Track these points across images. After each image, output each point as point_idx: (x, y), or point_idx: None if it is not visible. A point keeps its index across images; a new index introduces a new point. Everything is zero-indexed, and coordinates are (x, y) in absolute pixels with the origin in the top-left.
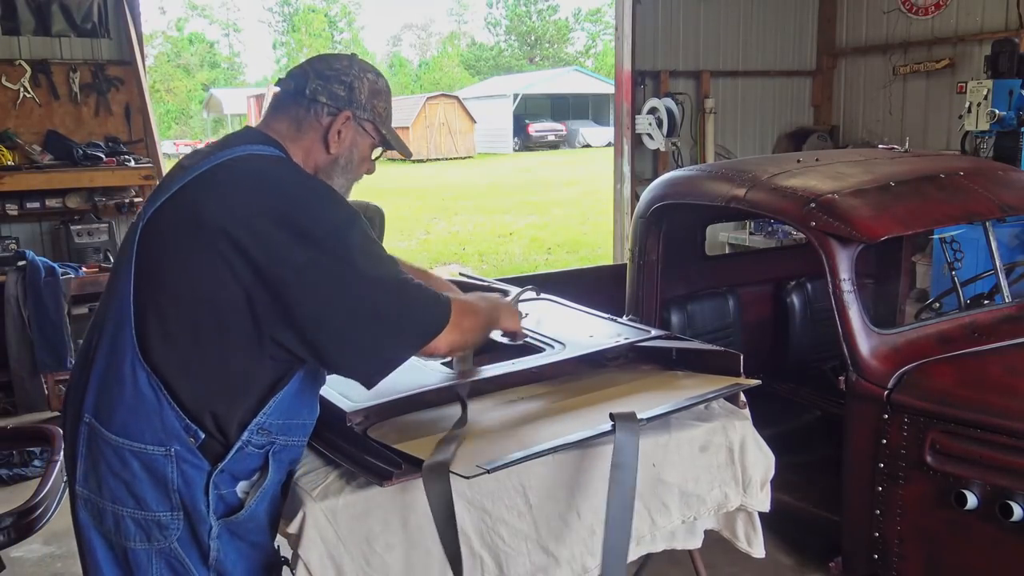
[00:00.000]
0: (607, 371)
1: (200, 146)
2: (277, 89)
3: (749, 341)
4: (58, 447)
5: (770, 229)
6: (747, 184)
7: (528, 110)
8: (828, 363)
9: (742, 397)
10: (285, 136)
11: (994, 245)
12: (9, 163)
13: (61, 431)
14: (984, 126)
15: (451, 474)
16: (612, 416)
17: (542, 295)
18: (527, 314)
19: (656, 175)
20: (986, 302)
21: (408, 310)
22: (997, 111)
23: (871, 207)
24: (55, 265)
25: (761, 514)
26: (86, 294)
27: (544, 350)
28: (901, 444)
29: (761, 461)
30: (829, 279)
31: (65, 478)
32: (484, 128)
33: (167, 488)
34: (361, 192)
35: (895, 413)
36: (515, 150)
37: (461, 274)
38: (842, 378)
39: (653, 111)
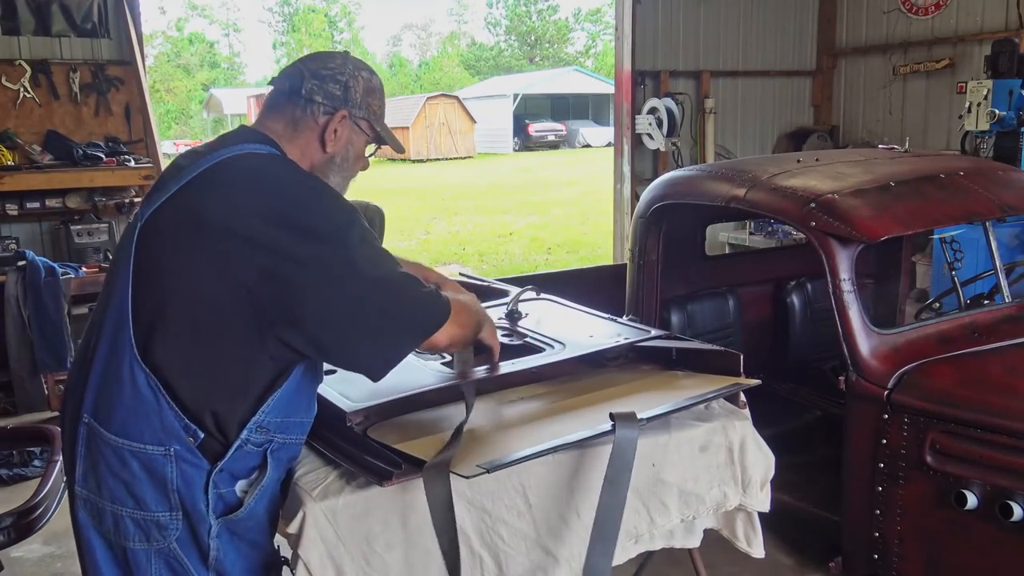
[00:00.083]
0: (607, 371)
1: (196, 146)
2: (270, 88)
3: (749, 341)
4: (58, 447)
5: (770, 229)
6: (747, 184)
7: (528, 110)
8: (828, 363)
9: (742, 397)
10: (281, 135)
11: (994, 245)
12: (9, 163)
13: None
14: (984, 126)
15: (451, 474)
16: (612, 416)
17: (542, 295)
18: (527, 314)
19: (656, 175)
20: (986, 302)
21: (411, 305)
22: (997, 111)
23: (871, 207)
24: (55, 265)
25: (761, 514)
26: (86, 294)
27: (544, 350)
28: (901, 444)
29: (761, 461)
30: (829, 279)
31: (65, 478)
32: (484, 128)
33: (166, 488)
34: (361, 192)
35: (895, 413)
36: (515, 150)
37: (461, 274)
38: (842, 378)
39: (653, 111)
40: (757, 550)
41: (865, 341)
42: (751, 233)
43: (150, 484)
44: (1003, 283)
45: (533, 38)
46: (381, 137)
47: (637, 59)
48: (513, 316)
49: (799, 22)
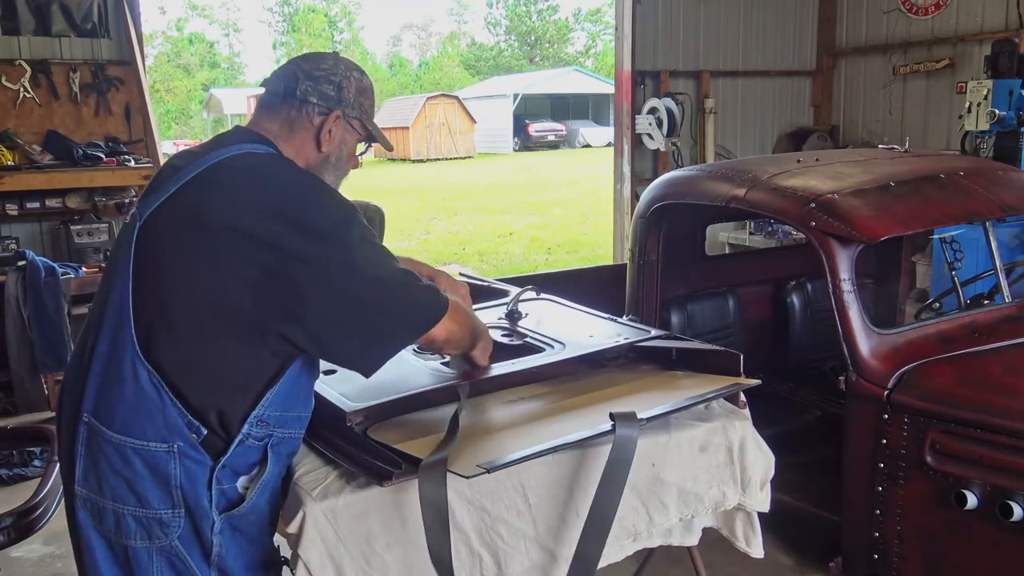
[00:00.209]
0: (607, 371)
1: (191, 147)
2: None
3: (749, 341)
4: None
5: (770, 229)
6: (747, 184)
7: (528, 110)
8: (828, 363)
9: (742, 397)
10: (277, 136)
11: (994, 245)
12: (9, 163)
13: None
14: (984, 126)
15: (451, 474)
16: (612, 416)
17: (542, 295)
18: (527, 314)
19: (656, 175)
20: (986, 302)
21: (410, 302)
22: (997, 111)
23: (871, 207)
24: (55, 265)
25: (761, 514)
26: (86, 294)
27: (544, 350)
28: (901, 444)
29: (761, 461)
30: (829, 279)
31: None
32: (484, 128)
33: (169, 485)
34: (362, 192)
35: (895, 413)
36: (515, 150)
37: (461, 274)
38: (842, 378)
39: (653, 111)
40: (756, 550)
41: (865, 341)
42: (751, 233)
43: (152, 481)
44: (1003, 283)
45: (533, 38)
46: (373, 136)
47: (637, 59)
48: (513, 316)
49: (799, 22)
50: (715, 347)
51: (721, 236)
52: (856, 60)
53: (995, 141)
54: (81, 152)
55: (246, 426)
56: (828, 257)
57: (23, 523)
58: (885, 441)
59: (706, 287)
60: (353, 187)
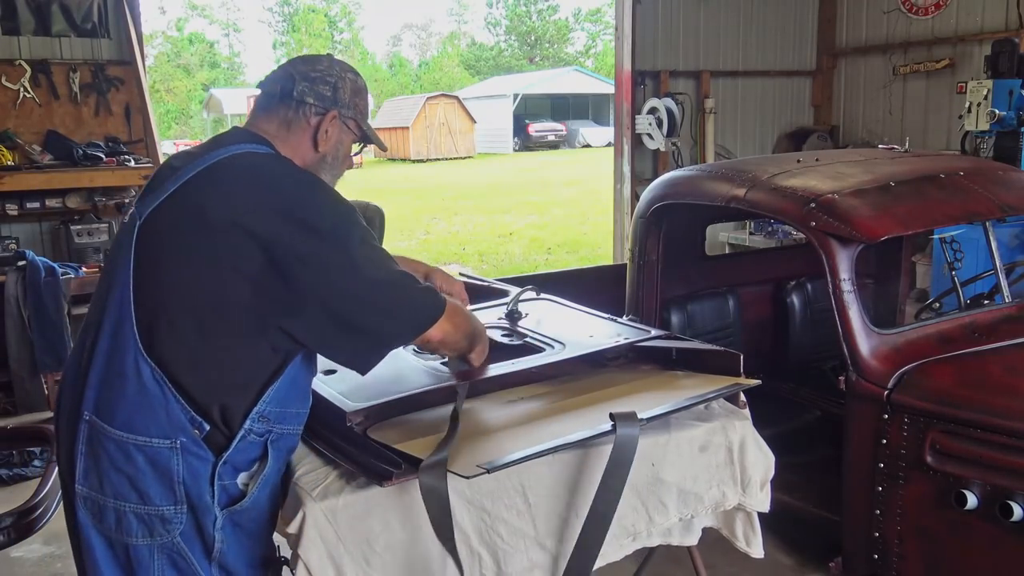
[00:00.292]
0: (607, 371)
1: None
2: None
3: (749, 341)
4: None
5: (770, 229)
6: (747, 184)
7: (528, 110)
8: (828, 363)
9: (742, 397)
10: (275, 136)
11: (994, 245)
12: (9, 163)
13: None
14: (984, 126)
15: (451, 474)
16: (612, 416)
17: (542, 295)
18: (527, 314)
19: (656, 175)
20: (986, 302)
21: (408, 304)
22: (997, 111)
23: (871, 207)
24: (55, 265)
25: (761, 514)
26: (86, 294)
27: (544, 350)
28: (901, 444)
29: (761, 461)
30: (829, 279)
31: None
32: (484, 128)
33: (172, 481)
34: (362, 192)
35: (895, 413)
36: (515, 150)
37: (461, 274)
38: (842, 378)
39: (653, 111)
40: (756, 550)
41: (865, 341)
42: (751, 233)
43: (155, 478)
44: (1003, 283)
45: (533, 38)
46: (367, 136)
47: (637, 59)
48: (513, 316)
49: (799, 22)
50: (715, 347)
51: (721, 236)
52: (856, 60)
53: (995, 141)
54: (81, 152)
55: (248, 422)
56: (828, 257)
57: (23, 523)
58: (885, 441)
59: (706, 287)
60: (353, 187)
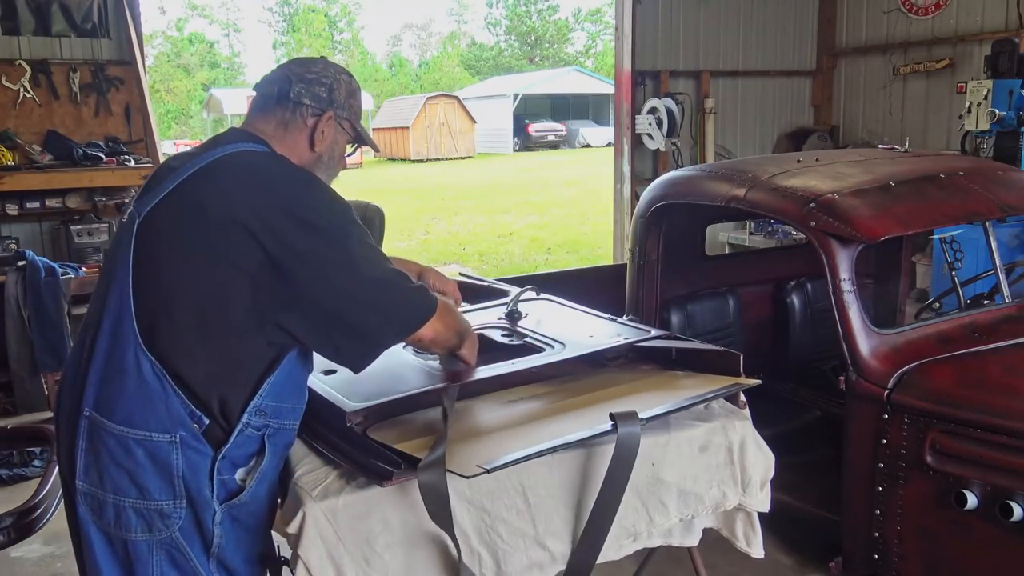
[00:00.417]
0: (607, 371)
1: (188, 148)
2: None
3: (749, 341)
4: None
5: (770, 229)
6: (747, 184)
7: (528, 110)
8: (828, 363)
9: (742, 397)
10: (272, 136)
11: (994, 245)
12: (9, 163)
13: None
14: (984, 126)
15: (451, 474)
16: (612, 416)
17: (542, 295)
18: (527, 314)
19: (656, 175)
20: (986, 302)
21: (400, 301)
22: (997, 111)
23: (871, 207)
24: (55, 265)
25: (761, 514)
26: (86, 294)
27: (544, 350)
28: (901, 444)
29: (761, 461)
30: (829, 279)
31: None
32: (484, 128)
33: (171, 476)
34: (362, 192)
35: (895, 413)
36: (515, 150)
37: (461, 274)
38: (842, 378)
39: (653, 111)
40: (757, 550)
41: (865, 341)
42: (751, 233)
43: (154, 472)
44: (1003, 283)
45: (533, 38)
46: (361, 137)
47: (637, 59)
48: (513, 316)
49: (799, 22)
50: (715, 347)
51: (721, 236)
52: (856, 60)
53: (995, 141)
54: (81, 152)
55: (245, 415)
56: (828, 257)
57: (23, 523)
58: (885, 441)
59: (706, 287)
60: (353, 187)
